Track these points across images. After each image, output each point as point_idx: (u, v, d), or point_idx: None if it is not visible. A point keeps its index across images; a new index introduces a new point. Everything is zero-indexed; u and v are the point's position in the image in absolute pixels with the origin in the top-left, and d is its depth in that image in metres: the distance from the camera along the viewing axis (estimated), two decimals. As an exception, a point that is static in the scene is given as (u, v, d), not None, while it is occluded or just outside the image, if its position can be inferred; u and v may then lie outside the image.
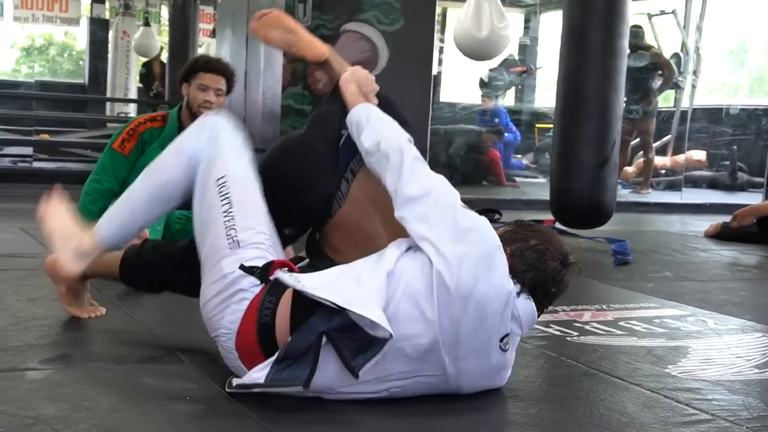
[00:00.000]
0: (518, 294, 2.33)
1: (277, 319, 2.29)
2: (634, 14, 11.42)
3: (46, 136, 10.41)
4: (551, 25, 14.38)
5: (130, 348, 2.71)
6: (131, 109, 15.44)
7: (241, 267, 2.34)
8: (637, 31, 10.61)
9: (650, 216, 8.89)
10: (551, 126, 12.76)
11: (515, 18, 15.44)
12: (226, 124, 2.64)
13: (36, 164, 9.61)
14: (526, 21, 15.38)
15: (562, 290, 2.43)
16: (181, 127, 4.00)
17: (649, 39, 11.29)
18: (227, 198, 2.46)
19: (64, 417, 2.04)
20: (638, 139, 10.82)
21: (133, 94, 15.86)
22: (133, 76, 16.08)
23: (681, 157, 11.96)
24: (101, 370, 2.45)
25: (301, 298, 2.25)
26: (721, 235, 6.75)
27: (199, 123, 2.69)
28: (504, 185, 10.70)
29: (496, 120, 12.18)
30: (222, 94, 4.09)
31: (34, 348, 2.60)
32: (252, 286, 2.33)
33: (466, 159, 10.66)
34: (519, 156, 13.23)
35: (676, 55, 11.55)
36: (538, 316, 2.42)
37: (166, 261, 2.81)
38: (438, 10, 10.52)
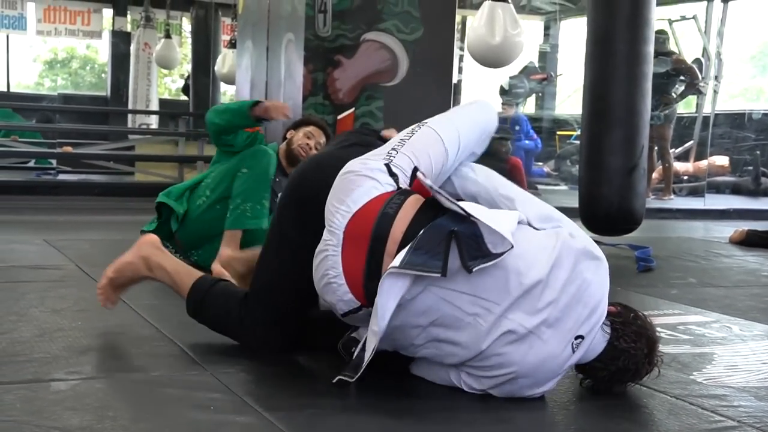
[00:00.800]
0: (603, 333, 2.40)
1: (400, 213, 2.38)
2: (655, 20, 11.40)
3: (69, 149, 10.49)
4: (571, 32, 14.37)
5: (154, 358, 2.72)
6: (152, 121, 15.54)
7: (387, 165, 2.48)
8: (659, 37, 10.57)
9: (673, 222, 8.84)
10: (572, 133, 12.79)
11: (535, 25, 15.44)
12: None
13: (60, 177, 9.69)
14: (546, 28, 15.37)
15: (634, 375, 2.50)
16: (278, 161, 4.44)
17: (670, 44, 11.25)
18: (410, 134, 2.62)
19: (89, 427, 2.05)
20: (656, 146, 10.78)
21: (154, 106, 15.96)
22: (155, 88, 16.18)
23: (703, 163, 11.90)
24: (126, 381, 2.46)
25: (425, 208, 2.39)
26: (746, 241, 6.71)
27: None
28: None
29: (517, 128, 12.17)
30: (319, 146, 4.44)
31: (59, 359, 2.61)
32: (387, 183, 2.46)
33: (487, 166, 10.63)
34: (540, 163, 13.20)
35: (697, 61, 11.49)
36: (603, 390, 2.50)
37: (228, 312, 2.81)
38: (458, 18, 10.52)
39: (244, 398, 2.32)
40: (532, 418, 2.34)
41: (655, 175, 11.22)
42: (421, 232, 2.29)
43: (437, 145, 2.57)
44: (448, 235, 2.26)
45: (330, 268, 2.40)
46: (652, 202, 9.93)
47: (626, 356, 2.42)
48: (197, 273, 2.90)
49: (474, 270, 2.24)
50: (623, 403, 2.49)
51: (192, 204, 4.26)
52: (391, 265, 2.26)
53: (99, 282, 3.02)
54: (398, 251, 2.31)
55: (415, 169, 2.49)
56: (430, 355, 2.43)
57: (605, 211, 5.89)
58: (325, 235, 2.43)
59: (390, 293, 2.25)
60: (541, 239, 2.39)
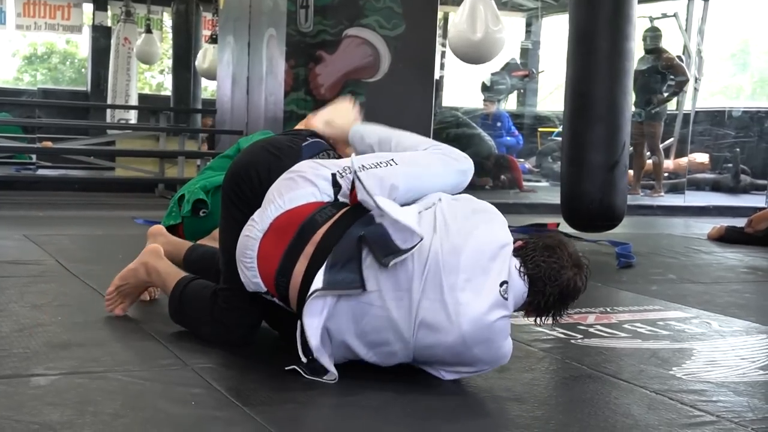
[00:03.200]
0: (519, 272, 2.43)
1: (328, 222, 2.46)
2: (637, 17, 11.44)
3: (49, 144, 10.43)
4: (553, 28, 14.40)
5: (134, 353, 2.71)
6: (131, 116, 15.46)
7: (333, 175, 2.54)
8: (652, 34, 10.62)
9: (653, 219, 8.88)
10: (554, 130, 12.83)
11: (517, 22, 15.46)
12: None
13: (40, 172, 9.63)
14: (528, 25, 15.40)
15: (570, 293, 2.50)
16: None
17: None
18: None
19: (69, 422, 2.04)
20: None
21: (134, 101, 15.88)
22: (134, 83, 16.10)
23: (684, 160, 11.96)
24: (106, 376, 2.44)
25: (346, 215, 2.48)
26: (725, 237, 6.75)
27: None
28: (522, 190, 10.69)
29: (499, 124, 12.19)
30: None
31: (39, 354, 2.60)
32: (325, 193, 2.53)
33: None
34: (521, 160, 13.23)
35: (678, 58, 11.55)
36: (554, 321, 2.53)
37: (201, 304, 2.86)
38: (440, 14, 10.52)
39: (226, 393, 2.32)
40: (513, 412, 2.35)
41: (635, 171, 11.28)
42: (335, 247, 2.39)
43: (390, 189, 2.54)
44: (357, 243, 2.36)
45: (248, 248, 2.52)
46: (632, 199, 9.99)
47: (548, 273, 2.44)
48: (180, 276, 2.95)
49: (389, 265, 2.32)
50: (603, 398, 2.51)
51: (216, 199, 4.26)
52: (313, 287, 2.36)
53: (107, 290, 3.14)
54: (313, 254, 2.42)
55: (354, 173, 2.50)
56: (380, 361, 2.47)
57: (587, 207, 5.91)
58: (256, 215, 2.55)
59: (314, 312, 2.37)
60: (425, 216, 2.46)
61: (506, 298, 2.39)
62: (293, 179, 2.55)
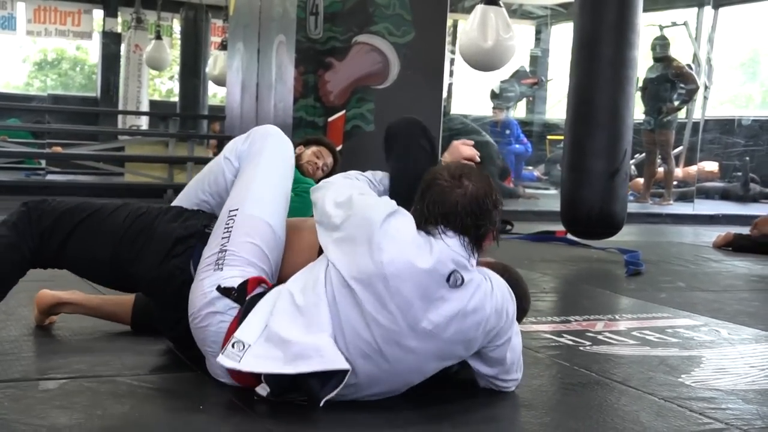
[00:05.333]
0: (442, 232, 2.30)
1: None
2: (645, 26, 11.44)
3: (58, 149, 10.46)
4: (562, 36, 14.41)
5: (143, 357, 2.72)
6: (143, 122, 15.51)
7: (218, 288, 2.38)
8: (660, 43, 10.61)
9: (662, 227, 8.87)
10: (562, 137, 12.81)
11: (526, 30, 15.47)
12: (275, 136, 2.71)
13: (49, 177, 9.65)
14: (537, 33, 15.42)
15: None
16: None
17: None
18: (228, 231, 2.49)
19: (77, 426, 2.05)
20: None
21: (145, 107, 15.93)
22: (145, 89, 16.15)
23: (693, 168, 11.94)
24: (114, 380, 2.45)
25: None
26: (734, 244, 6.73)
27: (249, 132, 2.77)
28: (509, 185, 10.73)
29: (507, 132, 12.20)
30: (327, 168, 4.57)
31: (48, 358, 2.61)
32: (229, 309, 2.37)
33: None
34: (530, 168, 13.24)
35: (688, 67, 11.55)
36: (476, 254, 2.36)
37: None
38: (449, 22, 10.54)
39: (234, 397, 2.32)
40: (522, 418, 2.34)
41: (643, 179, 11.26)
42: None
43: (258, 226, 2.51)
44: (291, 378, 2.20)
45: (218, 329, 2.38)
46: (641, 207, 9.98)
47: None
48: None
49: (323, 401, 2.18)
50: (612, 405, 2.50)
51: None
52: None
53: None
54: None
55: (246, 284, 2.39)
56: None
57: (586, 214, 5.92)
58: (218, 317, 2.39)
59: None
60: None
61: (458, 287, 2.27)
62: (196, 326, 2.42)
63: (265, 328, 2.26)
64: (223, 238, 2.48)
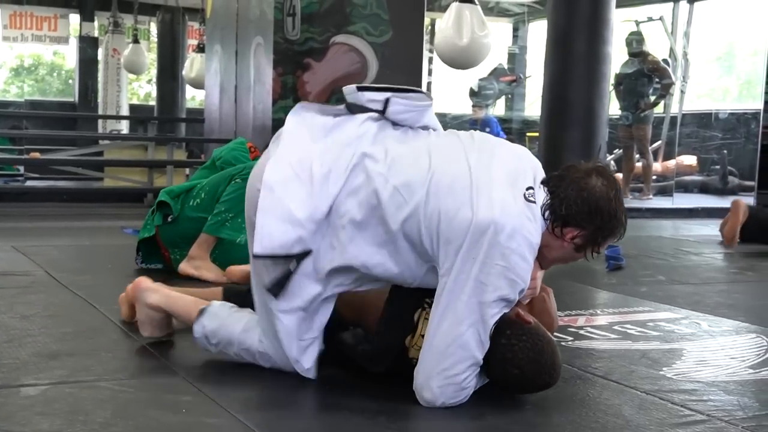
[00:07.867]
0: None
1: None
2: (621, 21, 11.49)
3: (37, 155, 10.40)
4: (540, 33, 14.45)
5: (124, 362, 2.71)
6: (123, 126, 15.45)
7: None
8: (634, 38, 10.63)
9: (642, 221, 8.89)
10: (541, 134, 12.86)
11: (504, 27, 15.51)
12: None
13: (28, 183, 9.60)
14: (515, 30, 15.47)
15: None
16: None
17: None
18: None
19: (59, 432, 2.04)
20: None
21: (125, 111, 15.88)
22: (125, 93, 16.10)
23: (671, 163, 12.00)
24: (96, 385, 2.44)
25: None
26: (746, 227, 6.34)
27: None
28: None
29: (487, 129, 12.22)
30: None
31: (28, 364, 2.59)
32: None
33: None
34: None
35: (664, 61, 11.61)
36: (593, 248, 2.55)
37: None
38: (426, 21, 10.55)
39: (216, 400, 2.31)
40: (506, 414, 2.35)
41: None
42: None
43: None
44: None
45: None
46: (629, 202, 10.01)
47: (570, 180, 2.40)
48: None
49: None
50: (594, 399, 2.51)
51: (185, 204, 4.24)
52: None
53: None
54: None
55: None
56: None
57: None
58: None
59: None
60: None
61: (533, 202, 2.33)
62: None
63: None
64: None
